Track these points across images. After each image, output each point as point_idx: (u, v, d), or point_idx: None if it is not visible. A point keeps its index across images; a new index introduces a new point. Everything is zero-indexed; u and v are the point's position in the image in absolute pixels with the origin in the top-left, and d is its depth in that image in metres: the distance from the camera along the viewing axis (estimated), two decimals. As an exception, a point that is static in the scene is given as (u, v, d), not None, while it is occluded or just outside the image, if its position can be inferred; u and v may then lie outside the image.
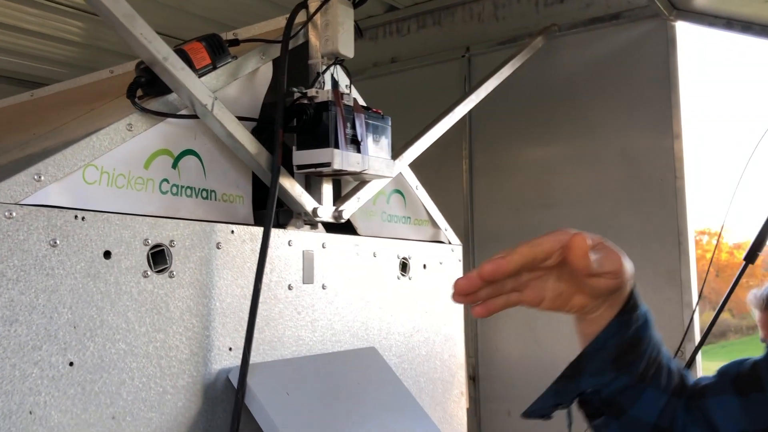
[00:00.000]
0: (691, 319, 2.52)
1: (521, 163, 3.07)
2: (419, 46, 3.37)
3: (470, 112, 3.16)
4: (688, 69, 2.65)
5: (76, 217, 1.19)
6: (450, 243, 2.20)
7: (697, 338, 2.52)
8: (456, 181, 3.19)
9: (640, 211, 2.70)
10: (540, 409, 0.85)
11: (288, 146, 1.58)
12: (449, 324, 2.14)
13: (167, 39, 3.58)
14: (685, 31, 2.65)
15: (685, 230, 2.59)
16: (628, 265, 0.80)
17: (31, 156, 1.22)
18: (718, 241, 2.49)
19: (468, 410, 2.87)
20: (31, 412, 1.10)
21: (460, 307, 2.21)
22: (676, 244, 2.60)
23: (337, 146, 1.50)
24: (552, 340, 2.83)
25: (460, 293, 0.75)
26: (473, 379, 3.05)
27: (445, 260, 2.14)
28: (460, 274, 2.21)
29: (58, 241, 1.15)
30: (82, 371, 1.17)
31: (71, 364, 1.15)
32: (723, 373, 0.85)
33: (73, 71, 4.05)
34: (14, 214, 1.10)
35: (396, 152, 1.94)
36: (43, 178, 1.16)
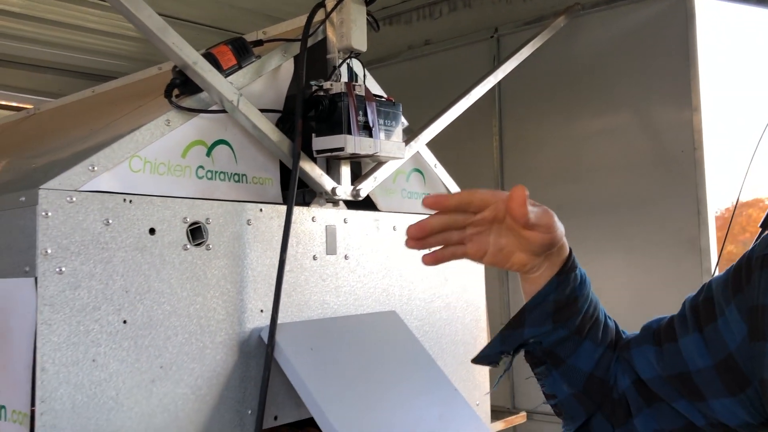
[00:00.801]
0: (710, 285, 2.61)
1: (548, 139, 3.19)
2: (451, 28, 3.51)
3: (500, 90, 3.30)
4: (707, 42, 2.71)
5: (124, 200, 1.42)
6: (470, 216, 2.36)
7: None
8: (487, 158, 3.34)
9: (662, 183, 2.79)
10: (487, 356, 0.95)
11: (310, 133, 1.78)
12: (470, 291, 2.31)
13: (216, 31, 3.84)
14: (703, 5, 2.71)
15: (704, 199, 2.68)
16: (560, 225, 0.90)
17: (88, 149, 1.45)
18: (734, 208, 2.57)
19: (496, 373, 3.05)
20: (93, 360, 1.34)
21: (482, 276, 2.38)
22: (696, 213, 2.69)
23: (350, 132, 1.69)
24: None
25: (412, 237, 0.86)
26: (505, 344, 3.21)
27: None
28: (480, 245, 2.38)
29: (110, 221, 1.39)
30: (134, 328, 1.41)
31: (125, 322, 1.40)
32: (646, 327, 0.96)
33: (132, 64, 4.35)
34: (74, 199, 1.34)
35: (414, 133, 2.11)
36: (96, 168, 1.40)
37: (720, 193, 2.73)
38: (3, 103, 4.53)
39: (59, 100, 2.79)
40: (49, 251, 1.29)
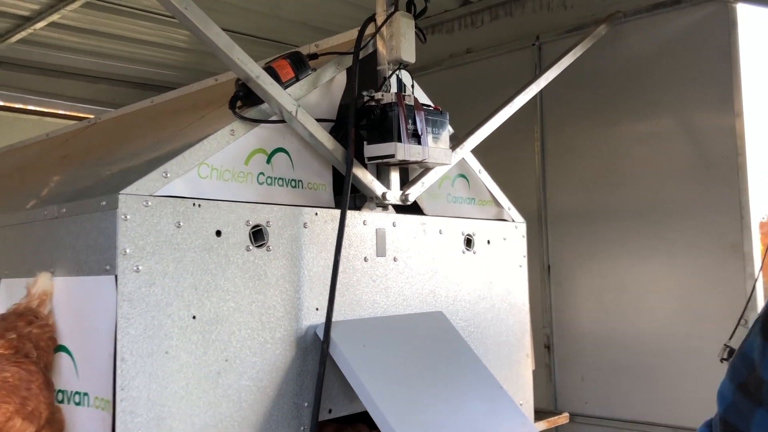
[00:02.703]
0: (753, 288, 2.63)
1: (590, 144, 3.23)
2: (492, 37, 3.58)
3: (541, 97, 3.36)
4: (749, 48, 2.74)
5: (194, 204, 1.53)
6: (513, 221, 2.44)
7: (759, 307, 2.63)
8: (529, 163, 3.40)
9: (704, 188, 2.82)
10: None
11: (361, 141, 1.88)
12: (514, 293, 2.38)
13: (263, 41, 3.97)
14: (746, 11, 2.74)
15: (747, 204, 2.70)
16: None
17: (160, 157, 1.57)
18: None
19: (542, 375, 3.10)
20: (166, 352, 1.45)
21: (525, 279, 2.45)
22: (739, 218, 2.71)
23: (399, 140, 1.78)
24: (618, 311, 3.01)
25: None
26: (548, 347, 3.27)
27: (508, 236, 2.38)
28: (523, 249, 2.45)
29: (181, 223, 1.50)
30: (202, 323, 1.52)
31: (194, 317, 1.50)
32: None
33: (183, 73, 4.53)
34: (150, 203, 1.46)
35: (459, 140, 2.20)
36: (168, 175, 1.51)
37: (763, 199, 2.75)
38: (63, 112, 4.75)
39: (119, 110, 2.94)
40: (128, 251, 1.41)
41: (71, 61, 4.32)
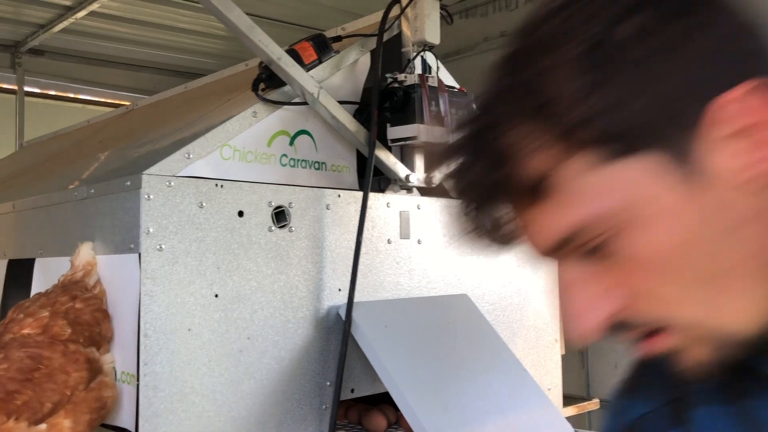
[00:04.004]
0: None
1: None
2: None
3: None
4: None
5: (216, 185, 1.56)
6: (543, 204, 2.41)
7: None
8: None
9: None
10: None
11: (385, 123, 1.88)
12: (540, 275, 2.36)
13: (298, 28, 4.00)
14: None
15: None
16: None
17: (184, 139, 1.60)
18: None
19: (575, 361, 3.07)
20: (189, 329, 1.49)
21: (554, 265, 2.42)
22: None
23: (423, 122, 1.78)
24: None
25: None
26: (580, 334, 3.23)
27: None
28: (553, 232, 2.42)
29: (204, 204, 1.53)
30: (224, 301, 1.55)
31: (216, 295, 1.53)
32: None
33: (220, 61, 4.59)
34: (172, 183, 1.49)
35: (486, 124, 2.18)
36: (191, 156, 1.54)
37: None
38: (105, 100, 4.87)
39: (155, 96, 3.00)
40: (151, 230, 1.44)
41: (112, 50, 4.43)
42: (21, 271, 1.89)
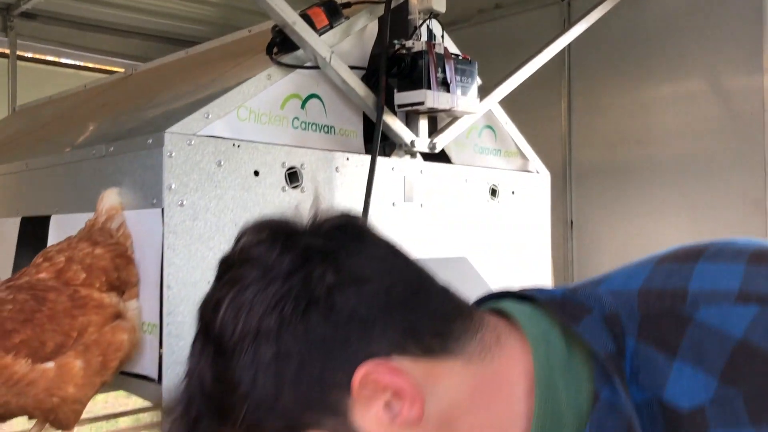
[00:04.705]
0: (774, 245, 2.67)
1: (617, 102, 3.25)
2: (521, -8, 3.59)
3: (569, 53, 3.37)
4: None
5: (233, 145, 1.61)
6: (538, 172, 2.49)
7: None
8: (556, 120, 3.43)
9: (729, 145, 2.84)
10: None
11: (392, 89, 1.94)
12: (537, 243, 2.45)
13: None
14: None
15: (771, 160, 2.72)
16: None
17: (201, 100, 1.65)
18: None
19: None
20: (209, 282, 1.54)
21: (548, 230, 2.51)
22: (763, 175, 2.74)
23: (429, 88, 1.84)
24: (640, 264, 3.07)
25: None
26: (568, 300, 3.34)
27: (532, 187, 2.44)
28: (547, 200, 2.51)
29: (222, 162, 1.59)
30: (241, 257, 1.61)
31: (233, 251, 1.60)
32: None
33: (211, 28, 4.59)
34: (193, 142, 1.54)
35: (487, 90, 2.24)
36: (210, 116, 1.59)
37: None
38: (97, 66, 4.85)
39: (155, 62, 3.01)
40: (173, 186, 1.50)
41: (103, 15, 4.41)
42: (36, 228, 1.93)
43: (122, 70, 3.78)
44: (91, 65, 4.92)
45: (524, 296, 0.74)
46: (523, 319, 0.69)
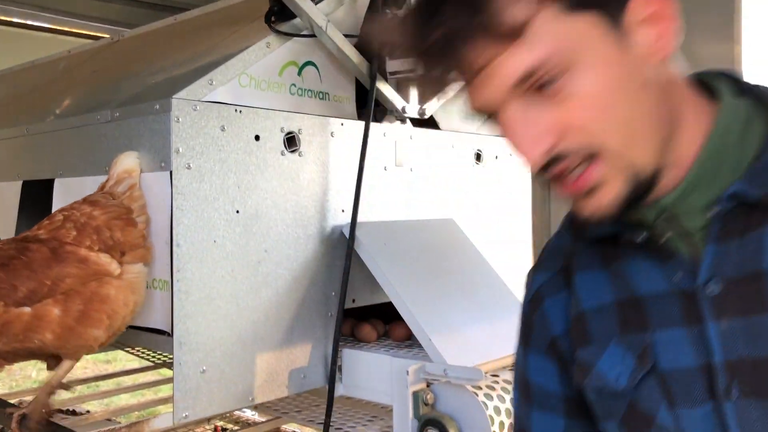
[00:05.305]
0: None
1: (594, 69, 3.36)
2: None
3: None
4: (752, -24, 2.84)
5: (236, 110, 1.69)
6: (520, 138, 2.60)
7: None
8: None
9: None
10: None
11: (383, 57, 2.01)
12: (518, 204, 2.57)
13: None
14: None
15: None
16: None
17: (204, 67, 1.72)
18: None
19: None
20: (214, 241, 1.64)
21: (528, 192, 2.63)
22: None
23: (421, 56, 1.92)
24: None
25: None
26: (545, 261, 3.48)
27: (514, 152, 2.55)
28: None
29: (225, 127, 1.66)
30: (244, 217, 1.70)
31: (237, 211, 1.68)
32: None
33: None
34: (198, 108, 1.61)
35: (472, 60, 2.33)
36: (214, 83, 1.66)
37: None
38: (77, 31, 4.82)
39: (142, 28, 3.04)
40: (180, 150, 1.57)
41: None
42: (38, 192, 1.99)
43: (103, 35, 3.78)
44: (67, 29, 4.89)
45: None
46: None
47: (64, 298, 1.52)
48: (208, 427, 3.31)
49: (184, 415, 1.57)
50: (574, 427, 0.95)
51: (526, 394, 0.99)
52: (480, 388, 1.63)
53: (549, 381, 0.96)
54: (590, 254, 0.93)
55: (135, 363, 3.07)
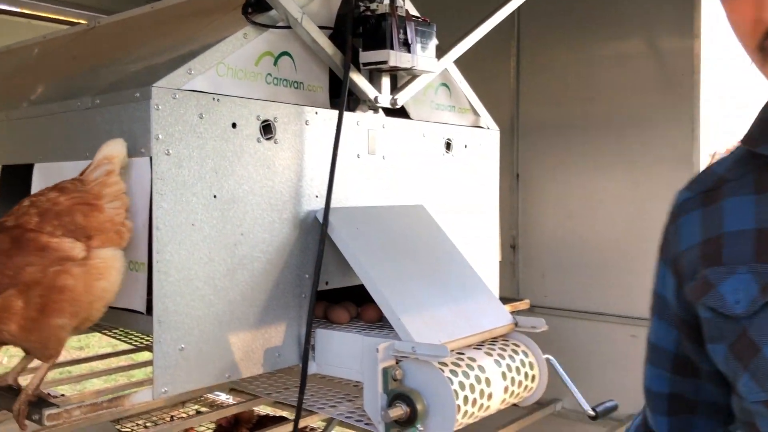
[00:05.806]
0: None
1: (563, 61, 3.46)
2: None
3: (519, 13, 3.55)
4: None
5: (213, 99, 1.75)
6: (489, 128, 2.69)
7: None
8: (504, 78, 3.63)
9: (664, 104, 3.10)
10: None
11: (356, 48, 2.08)
12: (486, 193, 2.66)
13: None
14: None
15: (697, 117, 2.99)
16: None
17: (183, 56, 1.78)
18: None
19: (507, 272, 3.42)
20: (192, 224, 1.70)
21: (496, 181, 2.73)
22: (690, 131, 3.01)
23: (392, 48, 2.00)
24: (580, 215, 3.34)
25: None
26: (513, 247, 3.60)
27: (483, 142, 2.64)
28: (496, 154, 2.72)
29: (203, 115, 1.73)
30: (221, 202, 1.77)
31: (215, 196, 1.75)
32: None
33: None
34: (177, 96, 1.67)
35: (442, 51, 2.41)
36: (192, 72, 1.72)
37: (713, 111, 3.04)
38: (52, 16, 4.80)
39: (119, 15, 3.06)
40: (160, 136, 1.64)
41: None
42: (17, 176, 2.04)
43: (78, 21, 3.78)
44: (42, 14, 4.86)
45: None
46: None
47: (25, 288, 1.51)
48: (208, 427, 3.39)
49: (163, 390, 1.64)
50: (685, 341, 1.01)
51: (654, 301, 1.07)
52: (446, 365, 1.72)
53: (668, 293, 1.02)
54: (744, 182, 0.95)
55: (108, 348, 3.14)
